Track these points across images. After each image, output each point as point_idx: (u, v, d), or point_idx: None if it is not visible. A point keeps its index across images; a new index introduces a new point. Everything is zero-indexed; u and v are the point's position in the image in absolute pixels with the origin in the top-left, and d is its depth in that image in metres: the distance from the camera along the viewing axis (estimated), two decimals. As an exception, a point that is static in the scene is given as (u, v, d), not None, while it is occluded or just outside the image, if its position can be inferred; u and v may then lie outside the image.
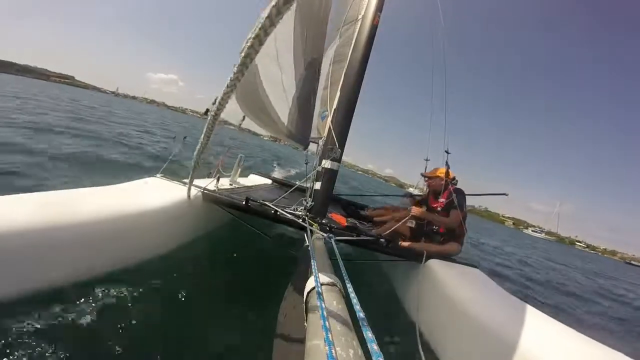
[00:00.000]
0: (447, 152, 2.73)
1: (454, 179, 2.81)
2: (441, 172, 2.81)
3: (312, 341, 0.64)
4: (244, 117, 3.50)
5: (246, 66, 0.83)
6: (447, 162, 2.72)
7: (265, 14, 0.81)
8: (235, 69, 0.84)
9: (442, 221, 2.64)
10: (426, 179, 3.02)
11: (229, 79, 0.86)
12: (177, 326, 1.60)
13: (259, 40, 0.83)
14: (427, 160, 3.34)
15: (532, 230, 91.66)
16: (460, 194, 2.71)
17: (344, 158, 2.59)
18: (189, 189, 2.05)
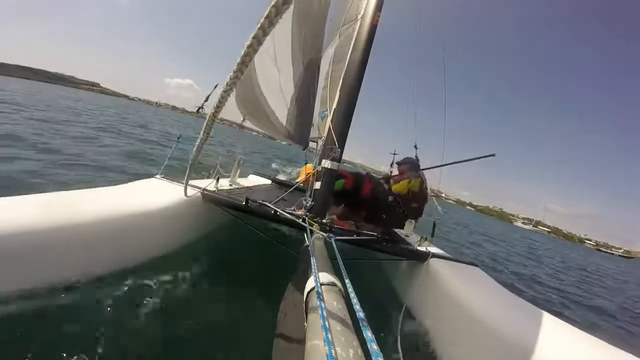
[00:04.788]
0: (415, 147, 3.06)
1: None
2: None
3: (312, 341, 0.64)
4: (243, 118, 3.53)
5: (245, 65, 0.85)
6: (416, 156, 3.01)
7: (264, 14, 0.83)
8: (235, 67, 0.87)
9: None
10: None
11: (228, 77, 0.88)
12: (177, 326, 1.61)
13: (258, 40, 0.86)
14: (394, 154, 3.57)
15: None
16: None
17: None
18: (186, 187, 2.06)
